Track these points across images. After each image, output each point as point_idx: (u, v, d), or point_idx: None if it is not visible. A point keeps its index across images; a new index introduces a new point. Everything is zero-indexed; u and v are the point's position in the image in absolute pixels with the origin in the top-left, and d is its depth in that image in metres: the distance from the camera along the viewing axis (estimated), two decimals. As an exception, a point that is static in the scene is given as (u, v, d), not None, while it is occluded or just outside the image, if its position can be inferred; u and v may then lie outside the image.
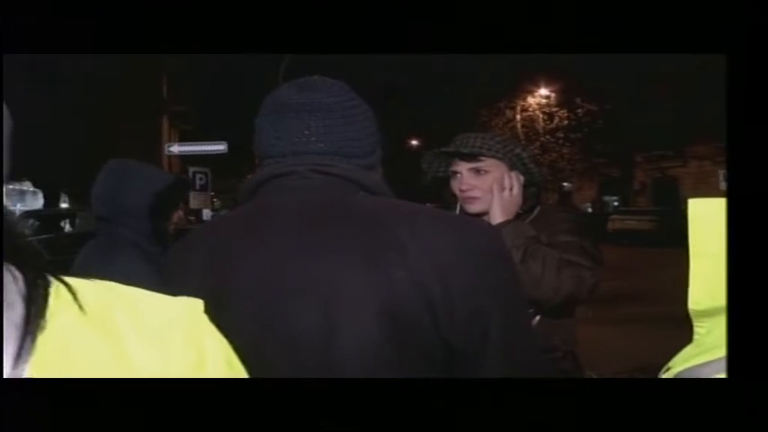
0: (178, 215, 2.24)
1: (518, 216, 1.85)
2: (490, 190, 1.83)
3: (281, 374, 0.91)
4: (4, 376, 0.43)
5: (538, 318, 1.77)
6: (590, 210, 28.64)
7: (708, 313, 0.70)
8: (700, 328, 0.72)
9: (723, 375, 0.64)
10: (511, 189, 1.83)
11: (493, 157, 1.82)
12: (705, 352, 0.69)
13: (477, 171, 1.85)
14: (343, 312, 0.92)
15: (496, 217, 1.81)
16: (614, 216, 24.11)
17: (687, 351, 0.72)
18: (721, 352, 0.66)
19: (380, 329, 0.91)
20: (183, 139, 18.91)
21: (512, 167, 1.84)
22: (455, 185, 1.90)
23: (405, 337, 0.91)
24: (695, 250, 0.71)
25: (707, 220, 0.70)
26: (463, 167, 1.87)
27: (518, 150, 1.84)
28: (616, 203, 30.34)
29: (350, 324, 0.91)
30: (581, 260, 1.73)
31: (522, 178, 1.87)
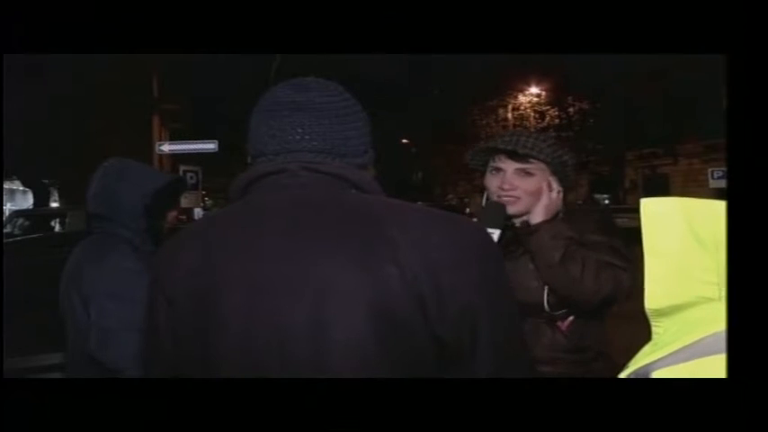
0: (173, 215, 2.24)
1: (555, 217, 1.84)
2: (532, 192, 1.81)
3: (272, 371, 0.92)
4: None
5: (571, 318, 1.78)
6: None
7: (664, 312, 0.71)
8: (657, 328, 0.72)
9: (671, 368, 0.65)
10: (558, 192, 1.82)
11: (542, 160, 1.80)
12: (659, 349, 0.69)
13: (524, 172, 1.83)
14: (334, 308, 0.92)
15: (538, 216, 1.79)
16: (606, 214, 24.05)
17: (644, 350, 0.73)
18: (673, 347, 0.67)
19: (371, 325, 0.92)
20: (174, 137, 18.83)
21: (553, 172, 1.82)
22: (493, 182, 1.87)
23: (395, 332, 0.92)
24: (650, 249, 0.71)
25: (660, 219, 0.71)
26: (510, 167, 1.84)
27: (566, 157, 1.82)
28: (607, 201, 30.41)
29: (341, 320, 0.92)
30: (615, 261, 1.70)
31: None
